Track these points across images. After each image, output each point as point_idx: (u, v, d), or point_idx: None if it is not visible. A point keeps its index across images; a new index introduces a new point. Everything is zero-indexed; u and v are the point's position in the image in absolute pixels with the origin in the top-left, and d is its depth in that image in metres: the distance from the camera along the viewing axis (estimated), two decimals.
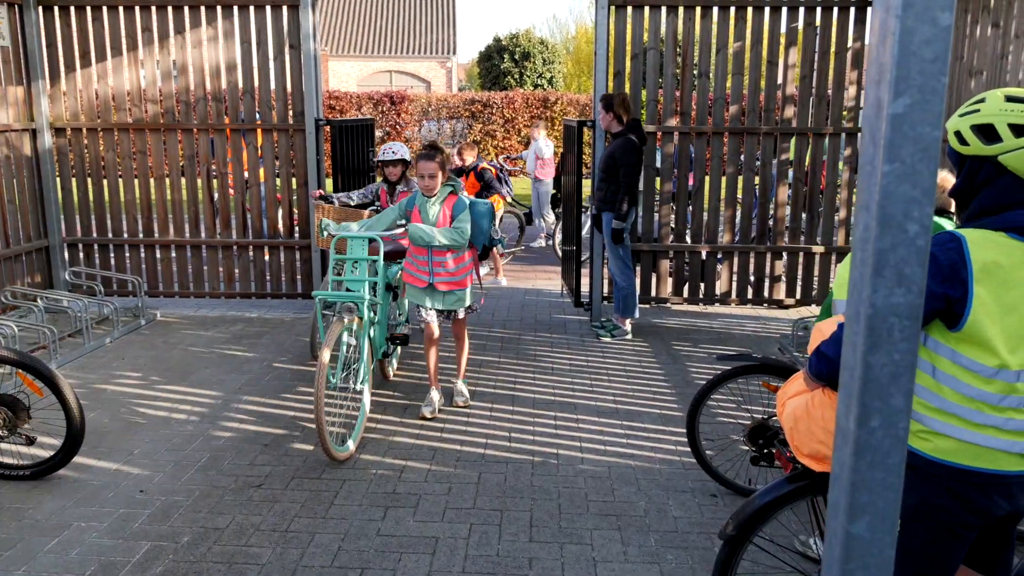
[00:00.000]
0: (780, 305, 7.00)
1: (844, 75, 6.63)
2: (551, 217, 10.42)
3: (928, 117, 1.06)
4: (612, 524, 3.52)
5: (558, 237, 9.69)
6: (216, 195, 7.19)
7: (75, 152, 7.02)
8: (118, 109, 6.89)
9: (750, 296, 7.02)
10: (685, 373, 5.60)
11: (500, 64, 30.13)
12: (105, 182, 7.06)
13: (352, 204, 5.81)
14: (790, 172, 6.89)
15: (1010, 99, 1.78)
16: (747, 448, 3.30)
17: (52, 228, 7.02)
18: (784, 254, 6.91)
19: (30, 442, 3.82)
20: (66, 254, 7.17)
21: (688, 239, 6.96)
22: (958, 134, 1.81)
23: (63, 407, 3.69)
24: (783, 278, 6.95)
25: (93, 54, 6.81)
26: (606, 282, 6.94)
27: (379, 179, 6.30)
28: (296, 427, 4.56)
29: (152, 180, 7.00)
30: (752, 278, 7.01)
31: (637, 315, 6.46)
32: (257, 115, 7.08)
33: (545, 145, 10.48)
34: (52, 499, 3.68)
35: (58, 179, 7.07)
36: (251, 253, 7.08)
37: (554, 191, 10.30)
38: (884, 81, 1.07)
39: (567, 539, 3.40)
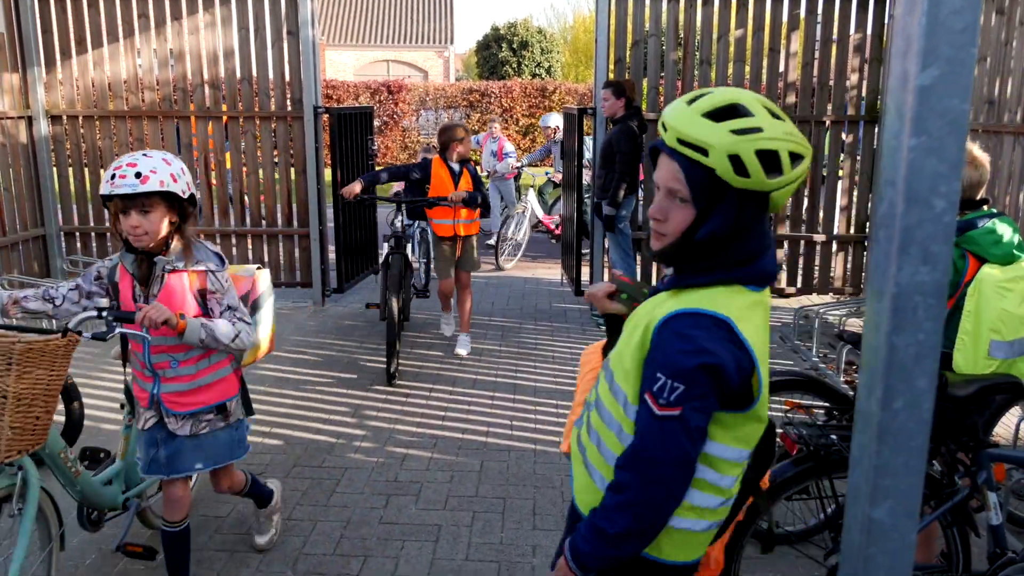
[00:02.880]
0: (780, 294, 6.98)
1: (846, 63, 6.59)
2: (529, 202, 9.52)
3: (956, 89, 1.03)
4: None
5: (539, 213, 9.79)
6: (215, 184, 7.14)
7: (71, 140, 6.96)
8: (115, 97, 6.83)
9: None
10: None
11: (498, 53, 30.00)
12: (102, 170, 7.01)
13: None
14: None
15: (777, 116, 1.41)
16: None
17: (48, 216, 6.97)
18: (785, 242, 6.89)
19: None
20: (63, 242, 7.13)
21: None
22: (736, 159, 1.35)
23: (65, 404, 3.65)
24: (783, 267, 6.93)
25: (89, 41, 6.74)
26: (607, 271, 6.91)
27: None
28: (296, 415, 4.53)
29: None
30: None
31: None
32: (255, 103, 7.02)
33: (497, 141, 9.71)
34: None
35: (55, 167, 7.02)
36: (249, 242, 7.04)
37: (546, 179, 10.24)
38: (911, 52, 1.04)
39: None
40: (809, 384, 3.16)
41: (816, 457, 2.15)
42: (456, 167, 5.37)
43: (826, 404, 3.13)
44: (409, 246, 5.87)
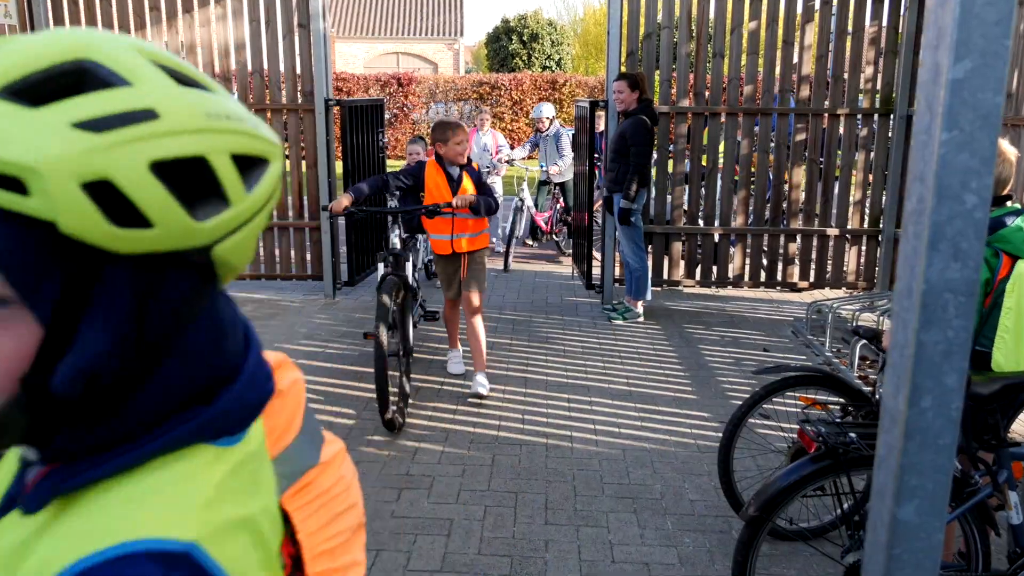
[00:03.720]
0: (793, 288, 6.94)
1: (861, 55, 6.53)
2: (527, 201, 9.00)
3: (990, 82, 1.01)
4: (628, 507, 3.49)
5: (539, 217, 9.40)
6: None
7: None
8: None
9: (763, 279, 6.96)
10: (698, 356, 5.55)
11: (508, 46, 29.93)
12: None
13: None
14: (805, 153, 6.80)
15: (187, 80, 0.64)
16: None
17: None
18: (798, 236, 6.84)
19: None
20: None
21: (701, 221, 6.89)
22: (100, 189, 0.57)
23: None
24: (797, 261, 6.89)
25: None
26: (618, 264, 6.89)
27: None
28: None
29: None
30: (765, 261, 6.94)
31: (650, 297, 6.42)
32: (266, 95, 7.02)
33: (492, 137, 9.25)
34: None
35: None
36: (260, 234, 7.04)
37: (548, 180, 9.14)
38: (943, 45, 1.02)
39: (583, 521, 3.37)
40: (824, 380, 3.14)
41: (834, 455, 2.14)
42: (455, 171, 4.58)
43: (842, 400, 3.11)
44: (409, 264, 4.88)
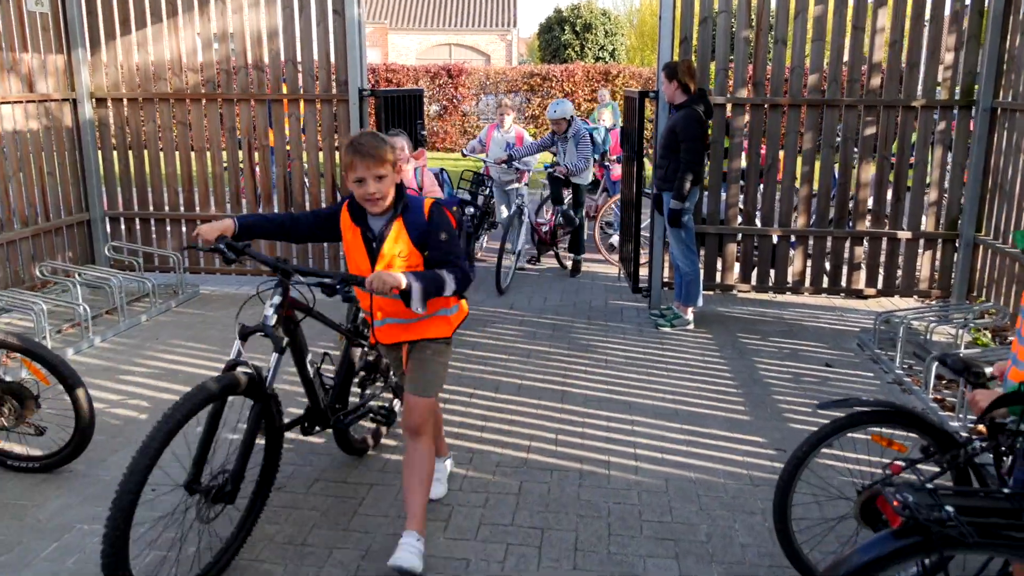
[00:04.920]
0: (859, 295, 6.39)
1: (940, 42, 5.94)
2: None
3: None
4: (669, 551, 3.08)
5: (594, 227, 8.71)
6: (258, 169, 6.90)
7: (116, 123, 6.80)
8: (158, 79, 6.63)
9: (825, 285, 6.42)
10: (752, 370, 5.09)
11: (561, 36, 29.38)
12: (146, 154, 6.84)
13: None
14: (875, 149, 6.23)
15: None
16: (860, 530, 2.61)
17: (93, 201, 6.83)
18: (865, 240, 6.29)
19: (40, 432, 3.56)
20: (107, 227, 7.00)
21: (758, 222, 6.39)
22: None
23: (70, 397, 3.41)
24: (863, 266, 6.33)
25: (133, 21, 6.55)
26: (667, 267, 6.43)
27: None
28: None
29: (193, 152, 6.74)
30: (828, 265, 6.40)
31: (700, 303, 5.95)
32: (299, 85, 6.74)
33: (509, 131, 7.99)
34: (58, 497, 3.41)
35: (99, 151, 6.88)
36: None
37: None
38: None
39: (616, 567, 2.97)
40: (899, 416, 2.67)
41: (926, 532, 1.70)
42: (378, 223, 2.84)
43: (923, 439, 2.65)
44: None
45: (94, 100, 6.74)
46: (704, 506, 3.41)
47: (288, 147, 6.61)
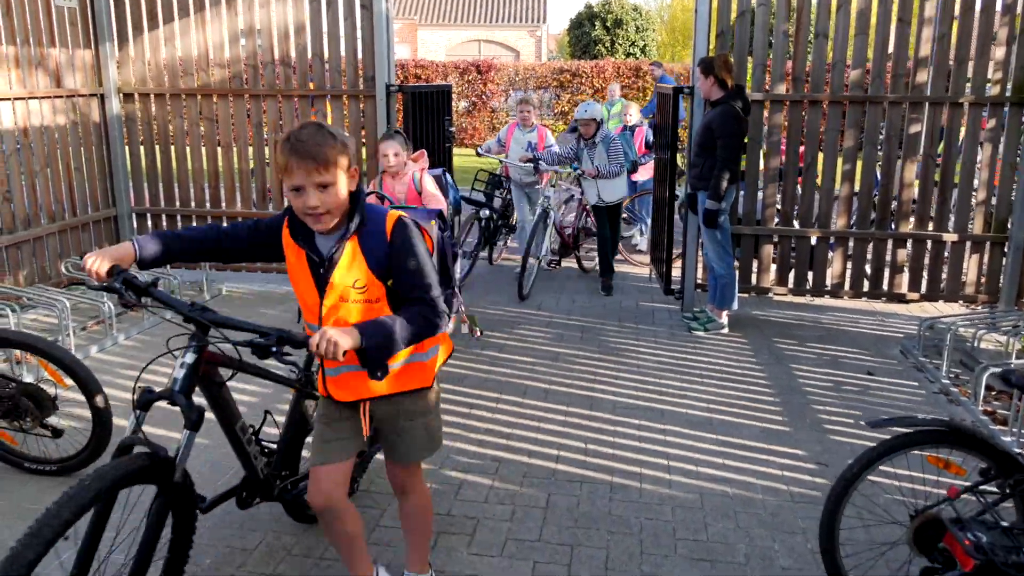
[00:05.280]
0: (901, 300, 6.14)
1: (990, 35, 5.67)
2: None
3: None
4: (704, 572, 2.91)
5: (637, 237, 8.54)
6: None
7: (143, 119, 6.75)
8: (185, 73, 6.57)
9: (866, 288, 6.18)
10: (790, 377, 4.89)
11: (591, 32, 29.12)
12: (172, 150, 6.79)
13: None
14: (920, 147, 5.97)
15: None
16: (914, 557, 2.40)
17: (120, 197, 6.80)
18: (909, 242, 6.04)
19: (57, 434, 3.49)
20: (134, 224, 6.96)
21: (796, 222, 6.17)
22: None
23: (87, 399, 3.33)
24: (906, 269, 6.09)
25: (161, 15, 6.50)
26: (700, 268, 6.24)
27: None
28: None
29: (220, 148, 6.67)
30: (869, 268, 6.17)
31: (736, 307, 5.76)
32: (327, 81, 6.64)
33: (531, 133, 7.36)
34: None
35: (126, 147, 6.84)
36: None
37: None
38: None
39: None
40: (959, 437, 2.48)
41: (998, 571, 1.53)
42: (327, 243, 2.20)
43: (982, 463, 2.46)
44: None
45: (121, 95, 6.70)
46: (741, 523, 3.24)
47: None
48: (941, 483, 2.84)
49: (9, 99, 5.68)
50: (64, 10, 6.16)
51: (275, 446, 2.86)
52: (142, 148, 6.81)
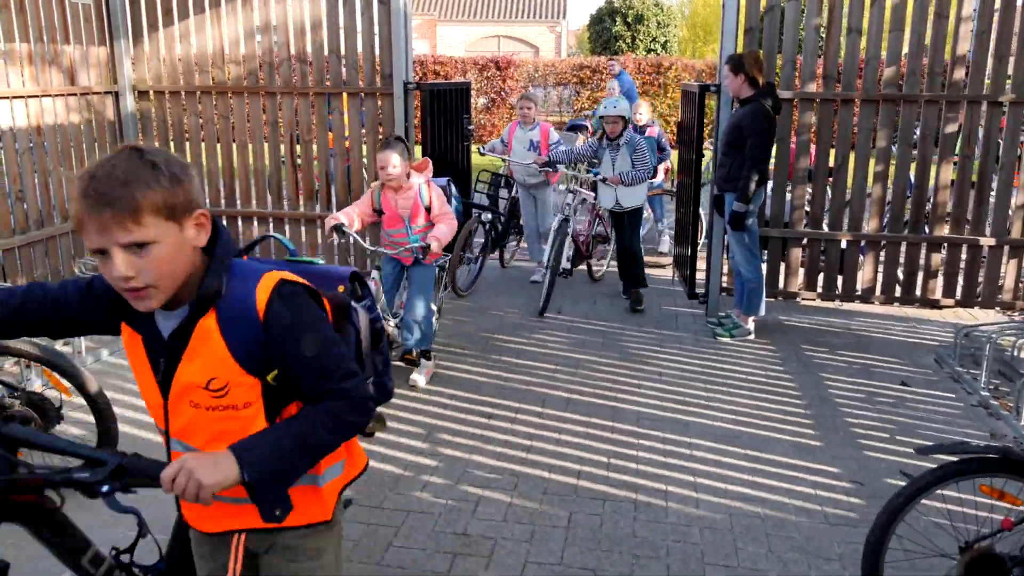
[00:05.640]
0: (935, 306, 5.92)
1: None
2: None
3: None
4: None
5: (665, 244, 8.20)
6: (300, 163, 6.69)
7: (158, 117, 6.66)
8: (200, 71, 6.46)
9: (898, 294, 5.97)
10: (820, 386, 4.70)
11: (611, 28, 28.83)
12: (187, 148, 6.70)
13: None
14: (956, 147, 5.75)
15: None
16: None
17: None
18: (944, 246, 5.82)
19: None
20: None
21: (826, 225, 5.97)
22: None
23: (92, 410, 3.22)
24: (941, 274, 5.87)
25: (176, 12, 6.39)
26: (725, 271, 6.05)
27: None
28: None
29: (235, 146, 6.56)
30: (901, 273, 5.95)
31: (763, 312, 5.56)
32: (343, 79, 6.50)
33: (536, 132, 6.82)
34: (77, 518, 3.21)
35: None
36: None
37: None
38: None
39: None
40: (1015, 465, 2.30)
41: None
42: (170, 322, 1.54)
43: None
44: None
45: (136, 93, 6.60)
46: (774, 548, 3.07)
47: (347, 143, 6.39)
48: (995, 509, 2.66)
49: (23, 97, 5.60)
50: (79, 7, 6.07)
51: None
52: (157, 146, 6.71)
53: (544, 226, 6.86)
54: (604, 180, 6.05)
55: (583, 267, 6.98)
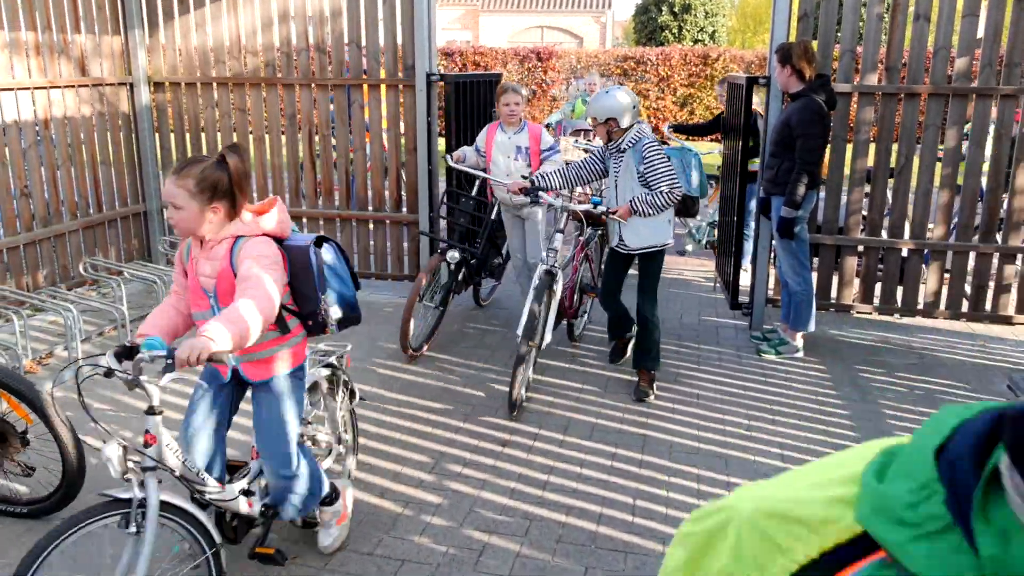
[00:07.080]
0: (1007, 322, 5.35)
1: None
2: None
3: None
4: None
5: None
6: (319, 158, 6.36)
7: (174, 108, 6.38)
8: (217, 61, 6.16)
9: (965, 309, 5.41)
10: (878, 416, 4.20)
11: (658, 18, 28.09)
12: (203, 141, 6.41)
13: None
14: None
15: None
16: None
17: (149, 192, 6.46)
18: (1018, 256, 5.24)
19: (28, 472, 3.08)
20: (164, 220, 6.62)
21: (885, 232, 5.43)
22: None
23: (54, 439, 2.90)
24: (1014, 288, 5.29)
25: (192, 1, 6.09)
26: (772, 281, 5.55)
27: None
28: (363, 465, 3.60)
29: (251, 140, 6.26)
30: (969, 286, 5.39)
31: (812, 327, 5.06)
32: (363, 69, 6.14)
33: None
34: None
35: (156, 138, 6.48)
36: (355, 226, 6.22)
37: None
38: None
39: None
40: None
41: None
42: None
43: None
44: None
45: (151, 84, 6.34)
46: None
47: (376, 138, 6.04)
48: None
49: (28, 88, 5.35)
50: (92, 4, 5.80)
51: None
52: (172, 139, 6.45)
53: (534, 256, 5.11)
54: (611, 215, 4.14)
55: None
